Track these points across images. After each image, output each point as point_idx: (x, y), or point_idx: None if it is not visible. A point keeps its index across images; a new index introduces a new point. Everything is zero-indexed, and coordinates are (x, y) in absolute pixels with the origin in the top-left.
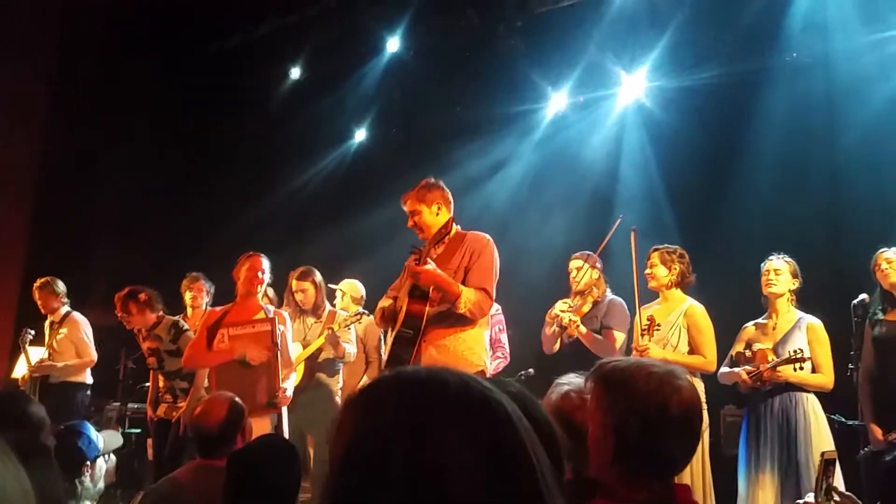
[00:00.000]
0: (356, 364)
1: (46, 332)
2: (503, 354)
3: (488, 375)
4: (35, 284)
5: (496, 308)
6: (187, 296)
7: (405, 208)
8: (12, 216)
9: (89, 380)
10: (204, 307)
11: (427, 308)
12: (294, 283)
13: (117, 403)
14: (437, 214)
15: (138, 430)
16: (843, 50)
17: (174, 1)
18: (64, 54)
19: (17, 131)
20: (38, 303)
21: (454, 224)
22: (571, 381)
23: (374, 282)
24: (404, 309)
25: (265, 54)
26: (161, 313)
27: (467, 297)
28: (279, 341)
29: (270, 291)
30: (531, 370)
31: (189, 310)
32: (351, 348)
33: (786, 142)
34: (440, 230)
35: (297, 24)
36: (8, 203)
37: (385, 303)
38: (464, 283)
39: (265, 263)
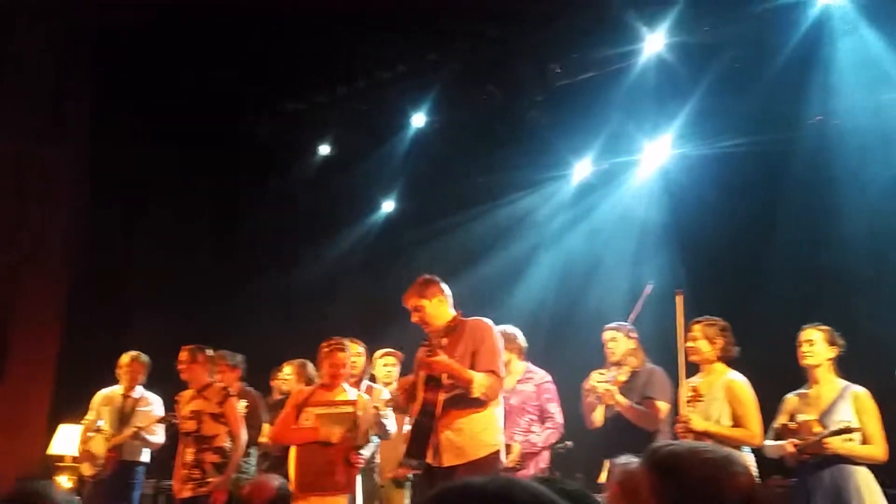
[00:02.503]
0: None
1: (106, 405)
2: (553, 425)
3: (539, 447)
4: (131, 355)
5: (544, 377)
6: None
7: (408, 307)
8: (52, 286)
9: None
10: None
11: (441, 395)
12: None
13: (153, 480)
14: (439, 307)
15: None
16: (865, 111)
17: (209, 77)
18: (100, 124)
19: (58, 200)
20: (127, 375)
21: (451, 310)
22: (631, 459)
23: (403, 350)
24: (420, 398)
25: (296, 131)
26: (213, 378)
27: (479, 382)
28: (360, 423)
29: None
30: (569, 443)
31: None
32: (392, 426)
33: (815, 206)
34: (449, 323)
35: (326, 102)
36: (48, 272)
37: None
38: (472, 367)
39: (347, 354)
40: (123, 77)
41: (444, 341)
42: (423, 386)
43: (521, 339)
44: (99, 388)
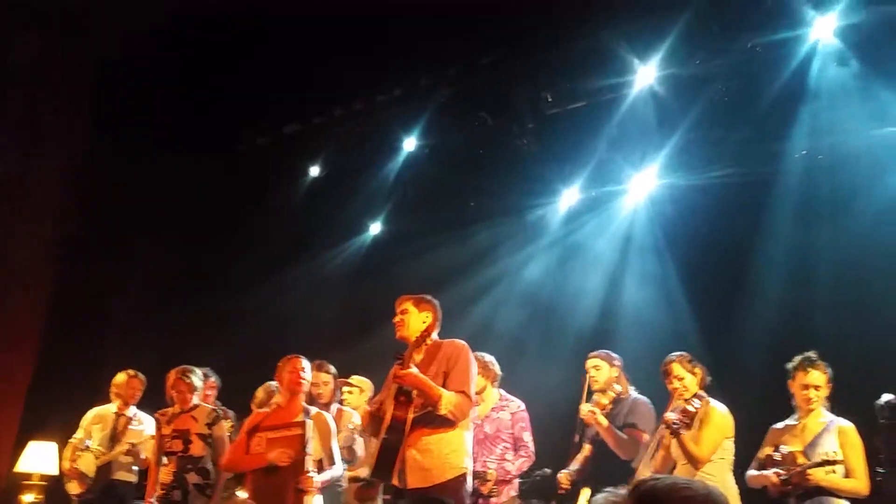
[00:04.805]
0: None
1: (98, 423)
2: (526, 454)
3: (512, 475)
4: (128, 373)
5: (519, 405)
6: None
7: (398, 308)
8: (30, 302)
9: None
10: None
11: (411, 413)
12: (312, 376)
13: None
14: (423, 322)
15: None
16: (853, 146)
17: (205, 99)
18: (91, 143)
19: (41, 215)
20: (123, 393)
21: (434, 335)
22: (616, 492)
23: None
24: (389, 414)
25: (290, 152)
26: (199, 400)
27: (448, 400)
28: (309, 444)
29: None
30: (547, 470)
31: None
32: (360, 450)
33: (799, 237)
34: (422, 336)
35: (320, 124)
36: (28, 287)
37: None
38: (443, 387)
39: (305, 364)
40: (119, 95)
41: (418, 359)
42: (393, 402)
43: (496, 367)
44: (72, 406)
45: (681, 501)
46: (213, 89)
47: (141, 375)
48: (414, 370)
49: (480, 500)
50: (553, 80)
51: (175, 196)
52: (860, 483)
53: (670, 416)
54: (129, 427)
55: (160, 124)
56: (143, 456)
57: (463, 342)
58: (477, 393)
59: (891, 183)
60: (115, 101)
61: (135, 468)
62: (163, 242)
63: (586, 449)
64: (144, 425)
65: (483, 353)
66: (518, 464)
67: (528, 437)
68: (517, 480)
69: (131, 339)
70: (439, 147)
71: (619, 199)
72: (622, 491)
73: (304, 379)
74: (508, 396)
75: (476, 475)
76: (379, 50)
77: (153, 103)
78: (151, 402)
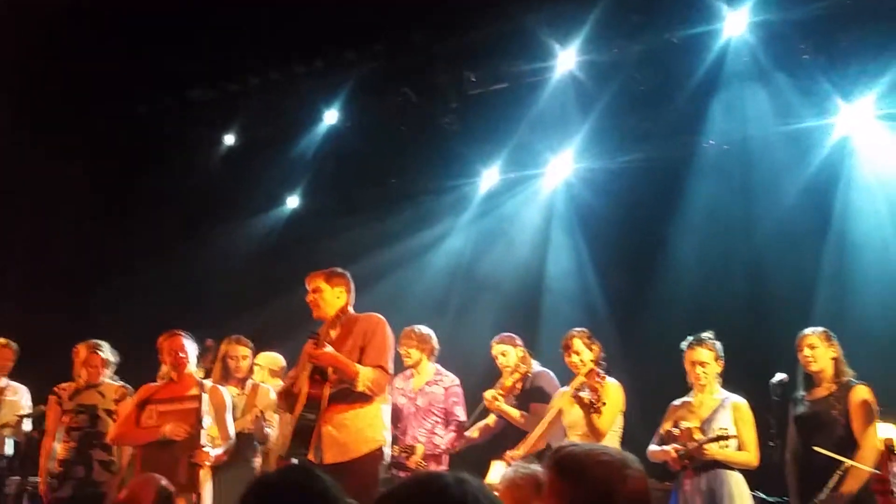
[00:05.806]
0: None
1: None
2: (456, 428)
3: (441, 449)
4: (1, 342)
5: (454, 380)
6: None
7: (308, 286)
8: None
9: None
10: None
11: (327, 390)
12: (229, 349)
13: (17, 477)
14: (338, 298)
15: None
16: (759, 139)
17: (111, 60)
18: None
19: None
20: None
21: (349, 308)
22: (527, 466)
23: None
24: (304, 392)
25: (203, 119)
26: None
27: (365, 376)
28: (205, 419)
29: None
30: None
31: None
32: (273, 433)
33: (707, 224)
34: (337, 313)
35: (237, 92)
36: None
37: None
38: (360, 362)
39: (184, 341)
40: (16, 55)
41: (334, 335)
42: (309, 380)
43: (434, 341)
44: None
45: (599, 466)
46: (122, 51)
47: (13, 344)
48: (329, 349)
49: (409, 475)
50: (478, 61)
51: (77, 162)
52: (751, 456)
53: (585, 395)
54: (4, 398)
55: (60, 87)
56: (25, 428)
57: (379, 316)
58: (412, 366)
59: (796, 174)
60: (10, 62)
61: (10, 440)
62: (64, 211)
63: (490, 419)
64: (20, 395)
65: (421, 326)
66: (448, 439)
67: (459, 412)
68: (446, 456)
69: (26, 312)
70: (361, 122)
71: (537, 181)
72: (533, 466)
73: (182, 359)
74: (444, 371)
75: (404, 449)
76: (302, 20)
77: (54, 66)
78: (28, 373)
